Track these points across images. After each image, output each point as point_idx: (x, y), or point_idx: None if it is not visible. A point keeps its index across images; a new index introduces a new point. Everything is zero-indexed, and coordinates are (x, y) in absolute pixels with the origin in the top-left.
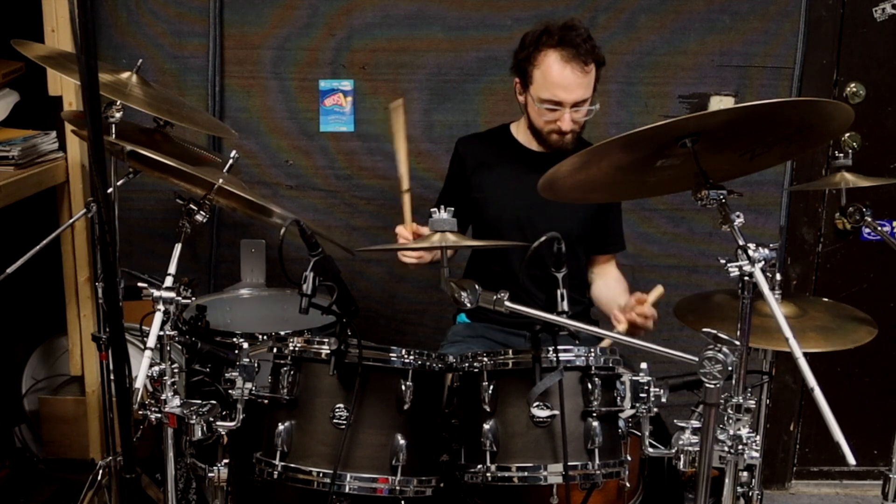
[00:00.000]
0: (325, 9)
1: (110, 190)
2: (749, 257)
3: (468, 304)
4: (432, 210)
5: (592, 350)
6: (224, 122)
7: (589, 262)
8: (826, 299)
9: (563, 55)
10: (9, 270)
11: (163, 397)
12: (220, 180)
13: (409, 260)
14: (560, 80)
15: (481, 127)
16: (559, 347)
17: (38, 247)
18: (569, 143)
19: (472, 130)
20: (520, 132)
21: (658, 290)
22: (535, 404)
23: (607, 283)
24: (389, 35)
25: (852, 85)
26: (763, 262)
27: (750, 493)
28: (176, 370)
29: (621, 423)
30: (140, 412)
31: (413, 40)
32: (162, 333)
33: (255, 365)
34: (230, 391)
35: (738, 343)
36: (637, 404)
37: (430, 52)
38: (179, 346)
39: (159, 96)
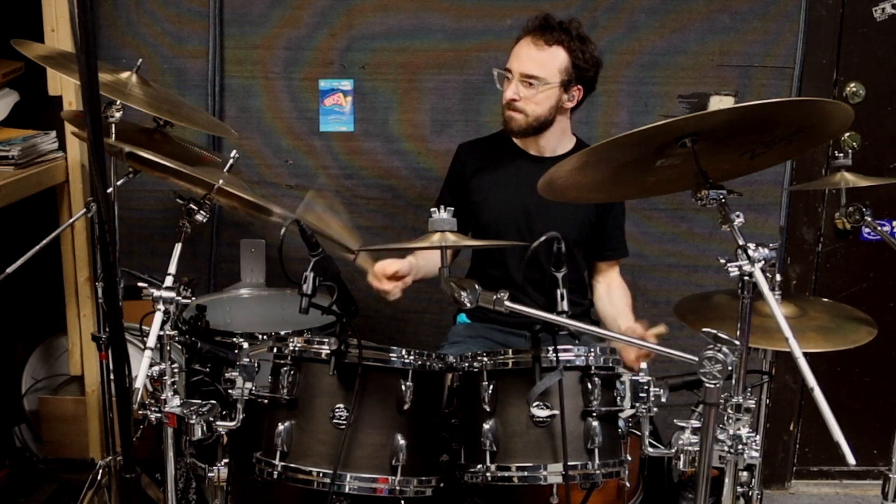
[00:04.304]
0: (326, 9)
1: (110, 190)
2: (749, 257)
3: (468, 304)
4: (432, 210)
5: (592, 350)
6: (224, 122)
7: (592, 268)
8: (826, 299)
9: (529, 34)
10: (9, 270)
11: (163, 397)
12: (221, 180)
13: (389, 289)
14: (516, 51)
15: (481, 126)
16: (559, 347)
17: (38, 247)
18: (517, 124)
19: (471, 129)
20: None
21: (659, 329)
22: (534, 404)
23: (611, 295)
24: (389, 34)
25: (852, 85)
26: (763, 262)
27: (750, 493)
28: (176, 370)
29: (621, 423)
30: (140, 412)
31: (413, 40)
32: (162, 333)
33: (255, 365)
34: (230, 391)
35: (738, 343)
36: (637, 404)
37: (430, 52)
38: (179, 346)
39: (159, 96)
